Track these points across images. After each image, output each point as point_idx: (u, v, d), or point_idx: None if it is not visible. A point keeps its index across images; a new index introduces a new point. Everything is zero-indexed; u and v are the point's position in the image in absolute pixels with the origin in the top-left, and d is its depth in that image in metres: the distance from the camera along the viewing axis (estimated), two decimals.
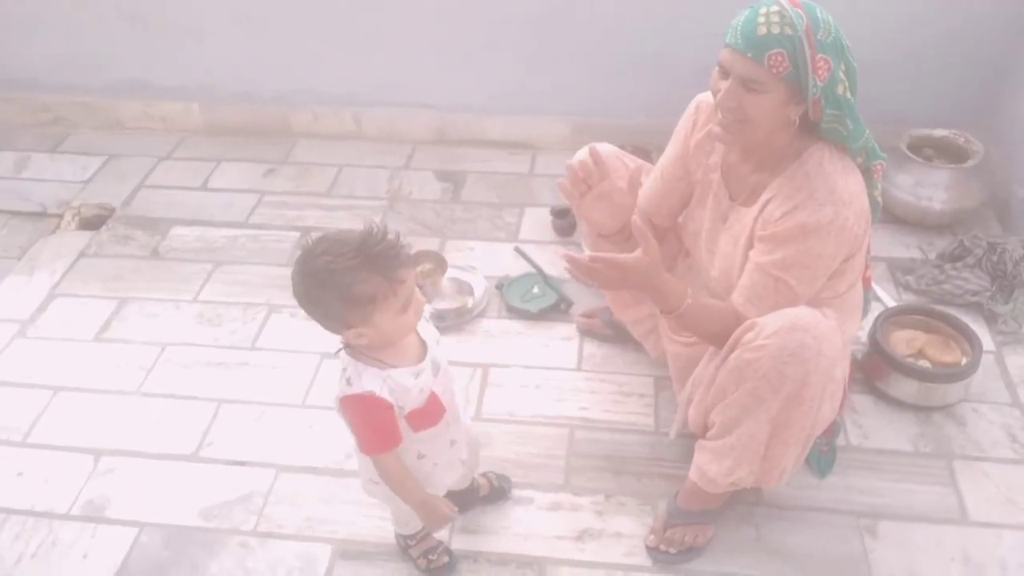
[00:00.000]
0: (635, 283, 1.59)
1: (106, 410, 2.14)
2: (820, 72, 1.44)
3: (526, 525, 1.83)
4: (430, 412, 1.43)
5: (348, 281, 1.24)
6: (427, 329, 1.47)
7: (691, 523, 1.76)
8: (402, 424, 1.41)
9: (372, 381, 1.34)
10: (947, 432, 1.99)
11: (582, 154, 1.93)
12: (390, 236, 1.28)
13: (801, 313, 1.52)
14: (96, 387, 2.20)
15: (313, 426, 2.07)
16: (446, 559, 1.72)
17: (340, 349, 1.39)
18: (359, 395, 1.34)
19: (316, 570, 1.76)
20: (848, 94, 1.49)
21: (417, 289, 1.34)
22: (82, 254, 2.65)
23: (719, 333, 1.61)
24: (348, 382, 1.35)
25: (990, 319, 2.26)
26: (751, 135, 1.54)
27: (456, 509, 1.55)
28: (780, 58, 1.42)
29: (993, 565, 1.73)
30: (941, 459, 1.93)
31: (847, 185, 1.53)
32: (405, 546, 1.73)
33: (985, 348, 2.12)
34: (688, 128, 1.79)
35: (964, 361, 2.04)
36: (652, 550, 1.76)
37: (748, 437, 1.60)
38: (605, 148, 1.99)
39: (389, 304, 1.27)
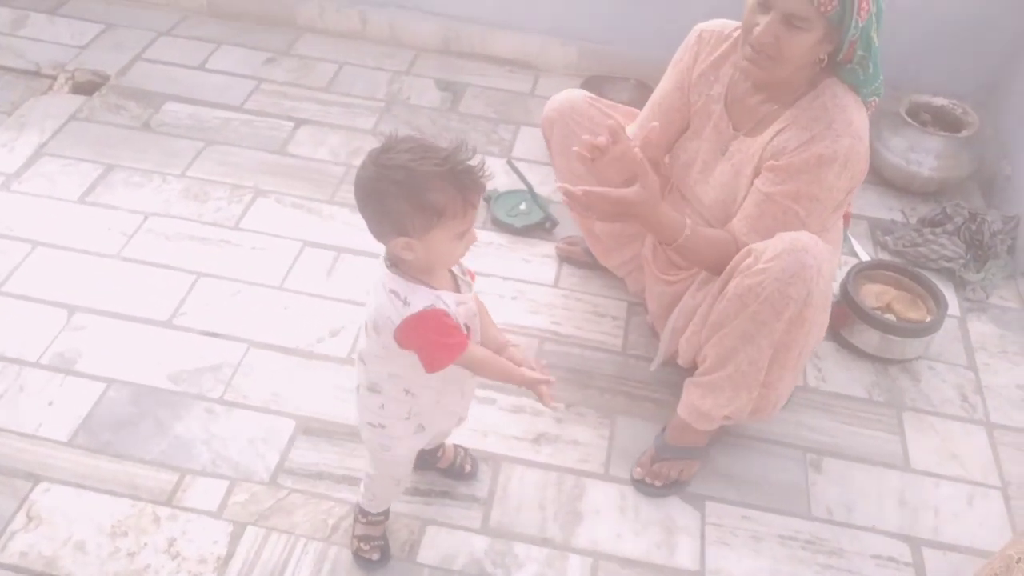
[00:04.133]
0: (632, 216, 1.59)
1: (84, 270, 2.15)
2: (862, 13, 1.45)
3: (487, 424, 1.88)
4: None
5: (426, 185, 1.17)
6: (463, 270, 1.40)
7: (678, 458, 1.79)
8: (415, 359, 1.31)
9: (425, 298, 1.27)
10: (901, 384, 2.05)
11: (570, 98, 1.93)
12: (477, 159, 1.22)
13: (798, 235, 1.53)
14: (76, 246, 2.21)
15: (288, 308, 2.10)
16: (375, 556, 1.61)
17: (384, 263, 1.30)
18: (420, 313, 1.25)
19: (278, 441, 1.81)
20: (876, 38, 1.51)
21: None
22: (73, 117, 2.63)
23: (717, 261, 1.63)
24: (405, 302, 1.26)
25: (960, 286, 2.31)
26: (780, 71, 1.54)
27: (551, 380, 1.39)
28: None
29: (926, 510, 1.80)
30: (892, 408, 1.99)
31: (861, 119, 1.56)
32: (355, 519, 1.64)
33: (951, 312, 2.18)
34: (689, 60, 1.78)
35: (928, 320, 2.09)
36: (638, 482, 1.79)
37: (747, 364, 1.61)
38: (579, 95, 1.96)
39: (454, 224, 1.21)
